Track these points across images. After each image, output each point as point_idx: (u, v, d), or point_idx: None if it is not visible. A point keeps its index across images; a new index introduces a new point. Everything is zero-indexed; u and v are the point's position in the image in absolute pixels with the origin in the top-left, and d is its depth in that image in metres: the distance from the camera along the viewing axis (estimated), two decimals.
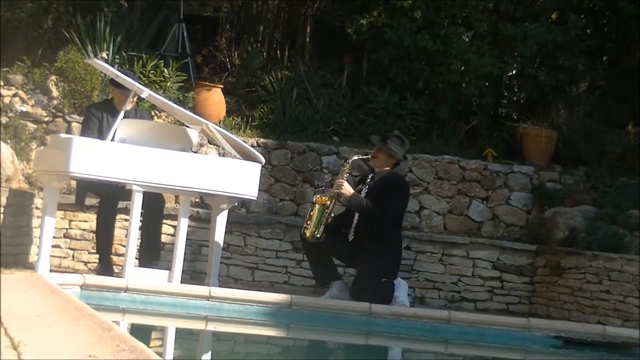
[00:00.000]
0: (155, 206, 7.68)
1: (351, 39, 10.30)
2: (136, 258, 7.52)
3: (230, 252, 8.71)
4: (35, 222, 7.86)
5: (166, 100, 7.82)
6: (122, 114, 7.45)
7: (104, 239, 7.77)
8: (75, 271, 8.09)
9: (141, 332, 6.39)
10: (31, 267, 7.18)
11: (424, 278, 9.07)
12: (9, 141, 8.49)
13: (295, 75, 10.24)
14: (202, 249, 8.57)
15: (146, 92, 7.36)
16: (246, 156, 7.53)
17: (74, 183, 8.17)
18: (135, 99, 7.61)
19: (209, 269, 7.53)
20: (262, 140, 9.48)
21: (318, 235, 7.68)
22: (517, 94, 11.21)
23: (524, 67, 10.27)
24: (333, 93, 10.21)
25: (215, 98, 9.63)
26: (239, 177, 7.32)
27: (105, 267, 7.74)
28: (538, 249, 9.19)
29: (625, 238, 8.58)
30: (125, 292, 6.80)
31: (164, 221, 8.06)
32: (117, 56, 9.72)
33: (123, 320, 6.56)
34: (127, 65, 9.50)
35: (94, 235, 8.17)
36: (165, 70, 9.73)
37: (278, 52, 10.94)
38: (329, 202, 7.72)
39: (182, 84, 9.82)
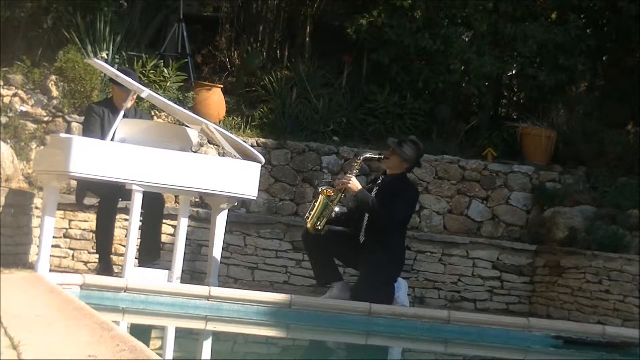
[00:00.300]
0: (155, 206, 7.68)
1: (351, 39, 10.30)
2: (136, 258, 7.52)
3: (230, 252, 8.71)
4: (35, 222, 7.86)
5: (166, 100, 7.82)
6: (122, 113, 7.45)
7: (104, 239, 7.77)
8: (75, 271, 8.09)
9: (141, 332, 6.39)
10: (31, 267, 7.18)
11: (424, 278, 9.07)
12: (9, 141, 8.49)
13: (295, 75, 10.23)
14: (202, 249, 8.57)
15: (146, 92, 7.36)
16: (246, 156, 7.52)
17: (74, 183, 8.18)
18: (135, 96, 7.61)
19: (209, 269, 7.53)
20: (262, 140, 9.48)
21: (319, 228, 7.61)
22: (517, 94, 11.22)
23: (524, 67, 10.27)
24: (333, 93, 10.20)
25: (215, 98, 9.62)
26: (239, 177, 7.32)
27: (105, 267, 7.74)
28: (538, 249, 9.19)
29: (625, 238, 8.58)
30: (125, 292, 6.80)
31: (164, 221, 8.05)
32: (117, 56, 9.72)
33: (123, 320, 6.56)
34: (127, 65, 9.49)
35: (94, 235, 8.17)
36: (165, 70, 9.73)
37: (278, 52, 10.93)
38: (333, 194, 7.68)
39: (182, 84, 9.82)
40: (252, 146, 8.64)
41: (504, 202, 9.65)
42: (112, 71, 7.45)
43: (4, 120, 8.70)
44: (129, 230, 7.22)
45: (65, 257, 8.43)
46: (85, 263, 8.45)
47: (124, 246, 7.54)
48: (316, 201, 7.68)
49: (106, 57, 9.50)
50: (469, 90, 10.37)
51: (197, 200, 8.78)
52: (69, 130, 8.80)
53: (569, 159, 9.96)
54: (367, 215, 7.67)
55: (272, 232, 8.90)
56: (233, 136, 7.78)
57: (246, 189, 7.35)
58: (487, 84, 10.42)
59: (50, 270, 7.05)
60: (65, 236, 8.44)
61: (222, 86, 9.86)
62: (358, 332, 7.16)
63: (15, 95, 8.96)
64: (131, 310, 6.72)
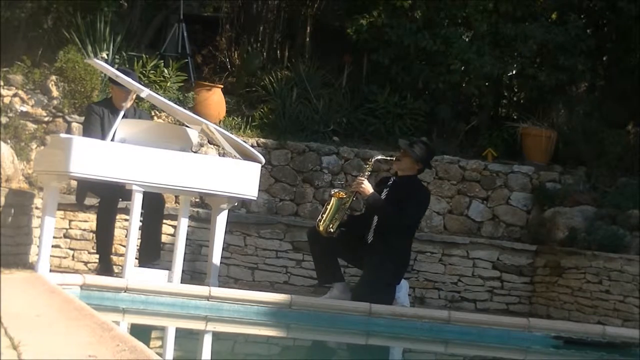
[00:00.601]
0: (155, 206, 7.68)
1: (351, 39, 10.30)
2: (136, 258, 7.52)
3: (230, 252, 8.71)
4: (35, 222, 7.86)
5: (166, 100, 7.82)
6: (122, 113, 7.46)
7: (104, 239, 7.77)
8: (75, 271, 8.09)
9: (141, 332, 6.39)
10: (31, 267, 7.18)
11: (424, 278, 9.07)
12: (9, 141, 8.49)
13: (295, 75, 10.23)
14: (202, 249, 8.57)
15: (146, 92, 7.36)
16: (246, 156, 7.52)
17: (74, 183, 8.18)
18: (134, 97, 7.61)
19: (209, 269, 7.53)
20: (262, 140, 9.48)
21: (332, 230, 7.61)
22: (517, 94, 11.21)
23: (524, 67, 10.27)
24: (333, 93, 10.20)
25: (215, 98, 9.62)
26: (239, 177, 7.32)
27: (105, 267, 7.74)
28: (538, 249, 9.20)
29: (625, 238, 8.58)
30: (125, 292, 6.80)
31: (164, 221, 8.05)
32: (117, 56, 9.72)
33: (123, 320, 6.56)
34: (127, 65, 9.49)
35: (94, 235, 8.17)
36: (165, 70, 9.73)
37: (278, 52, 10.93)
38: (346, 197, 7.68)
39: (182, 84, 9.83)
40: (252, 146, 8.64)
41: (504, 202, 9.65)
42: (112, 71, 7.45)
43: (4, 120, 8.70)
44: (129, 230, 7.22)
45: (65, 257, 8.43)
46: (85, 263, 8.45)
47: (124, 246, 7.54)
48: (328, 204, 7.68)
49: (106, 57, 9.50)
50: (469, 90, 10.37)
51: (197, 200, 8.78)
52: (69, 130, 8.80)
53: (569, 159, 9.96)
54: (375, 217, 7.66)
55: (272, 232, 8.90)
56: (233, 136, 7.78)
57: (246, 189, 7.35)
58: (487, 84, 10.42)
59: (50, 270, 7.04)
60: (65, 236, 8.44)
61: (222, 86, 9.86)
62: (358, 332, 7.16)
63: (15, 95, 8.96)
64: (131, 310, 6.72)
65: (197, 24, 11.60)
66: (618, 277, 8.22)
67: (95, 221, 7.91)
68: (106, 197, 7.68)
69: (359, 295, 7.48)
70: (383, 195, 7.67)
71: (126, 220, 7.74)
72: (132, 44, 10.15)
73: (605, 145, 9.71)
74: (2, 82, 8.96)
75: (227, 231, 7.94)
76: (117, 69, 7.70)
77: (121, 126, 7.31)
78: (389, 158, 8.02)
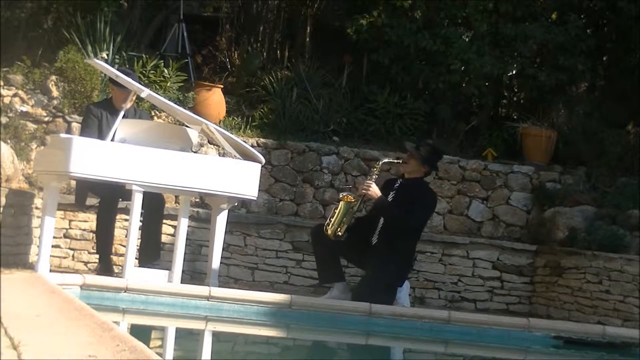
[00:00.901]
0: (155, 206, 7.68)
1: (351, 39, 10.29)
2: (136, 258, 7.52)
3: (230, 252, 8.71)
4: (35, 222, 7.86)
5: (166, 100, 7.82)
6: (122, 113, 7.46)
7: (104, 239, 7.76)
8: (75, 271, 8.09)
9: (141, 332, 6.39)
10: (31, 267, 7.18)
11: (424, 278, 9.07)
12: (9, 141, 8.49)
13: (295, 75, 10.23)
14: (202, 249, 8.57)
15: (146, 92, 7.35)
16: (246, 156, 7.52)
17: (74, 183, 8.17)
18: (134, 97, 7.61)
19: (209, 269, 7.53)
20: (262, 140, 9.48)
21: (340, 234, 7.62)
22: (517, 94, 11.21)
23: (524, 67, 10.27)
24: (333, 93, 10.20)
25: (215, 98, 9.62)
26: (239, 177, 7.32)
27: (105, 267, 7.74)
28: (538, 249, 9.20)
29: (625, 238, 8.58)
30: (125, 292, 6.80)
31: (164, 221, 8.05)
32: (117, 56, 9.72)
33: (123, 320, 6.56)
34: (127, 65, 9.49)
35: (94, 235, 8.17)
36: (165, 70, 9.73)
37: (278, 52, 10.93)
38: (354, 200, 7.67)
39: (182, 84, 9.82)
40: (252, 146, 8.64)
41: (504, 202, 9.65)
42: (112, 71, 7.45)
43: (4, 120, 8.70)
44: (129, 230, 7.22)
45: (65, 257, 8.43)
46: (85, 263, 8.45)
47: (124, 246, 7.54)
48: (336, 207, 7.68)
49: (106, 57, 9.50)
50: (469, 90, 10.37)
51: (197, 200, 8.78)
52: (69, 130, 8.80)
53: (569, 159, 9.96)
54: (382, 219, 7.65)
55: (272, 232, 8.89)
56: (233, 136, 7.78)
57: (246, 189, 7.34)
58: (487, 84, 10.42)
59: (50, 270, 7.04)
60: (65, 236, 8.44)
61: (222, 86, 9.86)
62: (358, 332, 7.16)
63: (15, 95, 8.96)
64: (131, 310, 6.72)
65: (197, 24, 11.60)
66: (618, 277, 8.22)
67: (95, 221, 7.91)
68: (106, 197, 7.68)
69: (359, 295, 7.48)
70: (390, 198, 7.67)
71: (126, 220, 7.74)
72: (132, 44, 10.15)
73: (605, 145, 9.71)
74: (2, 82, 8.96)
75: (227, 231, 7.94)
76: (117, 69, 7.70)
77: (121, 126, 7.30)
78: (395, 161, 8.02)
